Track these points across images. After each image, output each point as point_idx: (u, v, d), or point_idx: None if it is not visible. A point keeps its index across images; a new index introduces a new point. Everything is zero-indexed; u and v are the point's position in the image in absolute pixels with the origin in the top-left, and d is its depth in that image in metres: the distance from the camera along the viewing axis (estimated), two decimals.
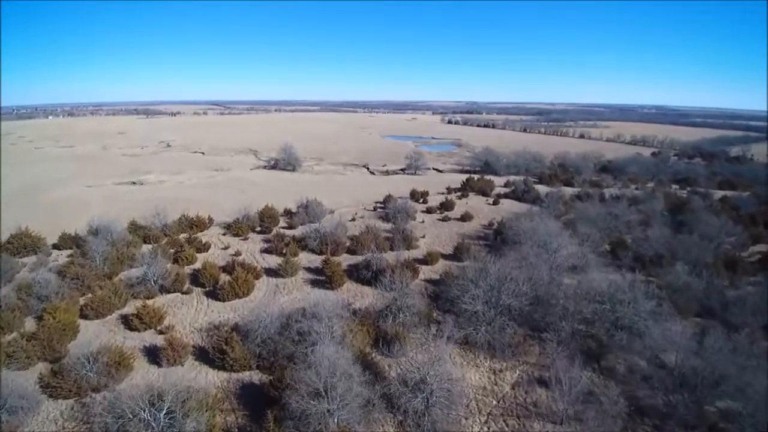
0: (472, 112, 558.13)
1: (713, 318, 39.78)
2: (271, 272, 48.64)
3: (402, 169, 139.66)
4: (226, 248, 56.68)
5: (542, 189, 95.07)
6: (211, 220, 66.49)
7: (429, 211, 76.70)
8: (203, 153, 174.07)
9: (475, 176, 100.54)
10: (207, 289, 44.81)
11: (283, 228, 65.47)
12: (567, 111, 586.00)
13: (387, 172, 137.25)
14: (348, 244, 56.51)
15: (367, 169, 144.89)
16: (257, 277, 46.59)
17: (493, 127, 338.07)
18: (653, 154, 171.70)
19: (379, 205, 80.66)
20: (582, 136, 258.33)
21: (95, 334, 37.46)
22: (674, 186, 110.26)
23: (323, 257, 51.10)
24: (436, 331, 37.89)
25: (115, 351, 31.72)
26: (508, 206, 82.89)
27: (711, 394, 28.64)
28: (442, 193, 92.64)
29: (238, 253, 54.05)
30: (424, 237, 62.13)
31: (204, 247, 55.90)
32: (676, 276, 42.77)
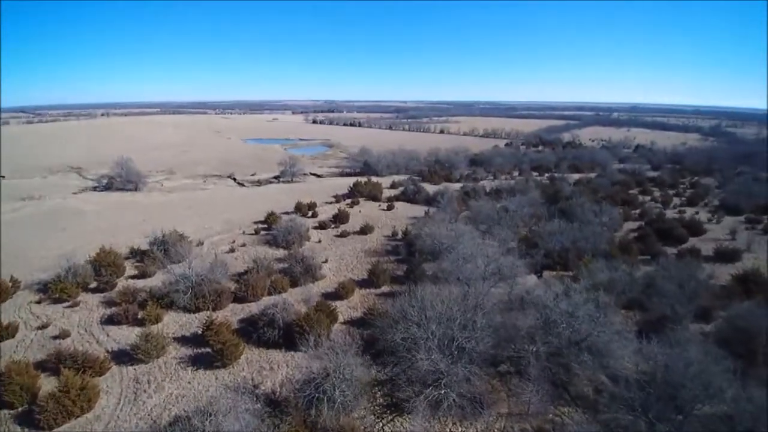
0: (332, 111, 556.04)
1: (641, 309, 39.91)
2: (124, 357, 32.66)
3: (276, 177, 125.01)
4: (43, 327, 37.14)
5: (427, 187, 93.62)
6: (15, 282, 44.09)
7: (322, 226, 66.78)
8: (3, 177, 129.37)
9: (362, 180, 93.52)
10: (19, 409, 27.24)
11: (132, 278, 47.62)
12: (420, 108, 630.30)
13: (259, 182, 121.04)
14: (233, 288, 43.15)
15: (234, 180, 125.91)
16: (101, 371, 30.45)
17: (359, 125, 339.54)
18: (507, 145, 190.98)
19: (261, 226, 66.81)
20: (442, 132, 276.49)
21: None
22: (534, 173, 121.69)
23: (201, 316, 37.16)
24: (382, 398, 29.34)
25: None
26: (404, 210, 78.35)
27: (689, 402, 26.31)
28: (331, 203, 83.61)
29: (64, 334, 35.69)
30: (326, 262, 52.14)
31: (7, 333, 35.57)
32: (601, 273, 41.98)
